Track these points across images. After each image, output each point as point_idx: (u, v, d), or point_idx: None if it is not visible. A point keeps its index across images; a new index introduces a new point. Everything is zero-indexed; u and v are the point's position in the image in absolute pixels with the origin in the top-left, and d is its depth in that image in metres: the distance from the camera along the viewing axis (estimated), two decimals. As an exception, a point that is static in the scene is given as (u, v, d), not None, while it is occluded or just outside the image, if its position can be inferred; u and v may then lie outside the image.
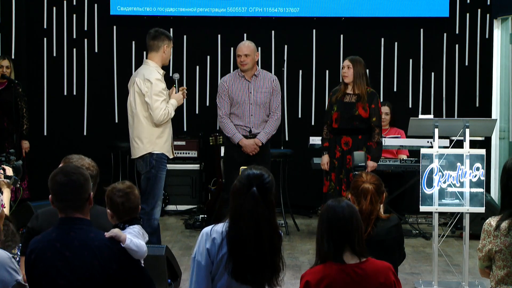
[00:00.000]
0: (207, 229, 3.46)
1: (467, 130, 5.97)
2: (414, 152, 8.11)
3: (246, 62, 7.17)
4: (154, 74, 6.30)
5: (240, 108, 7.20)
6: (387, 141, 7.87)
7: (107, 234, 3.29)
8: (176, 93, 6.52)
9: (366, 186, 4.25)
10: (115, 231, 3.31)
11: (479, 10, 9.25)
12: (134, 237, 3.34)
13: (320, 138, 7.29)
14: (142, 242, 3.35)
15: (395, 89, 9.36)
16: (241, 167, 3.63)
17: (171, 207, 8.98)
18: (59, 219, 3.33)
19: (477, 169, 5.86)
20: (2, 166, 4.39)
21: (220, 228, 3.41)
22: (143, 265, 3.50)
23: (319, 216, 3.42)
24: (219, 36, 9.33)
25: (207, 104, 9.36)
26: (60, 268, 3.22)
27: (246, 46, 7.21)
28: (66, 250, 3.23)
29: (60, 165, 3.89)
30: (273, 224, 3.40)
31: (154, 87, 6.25)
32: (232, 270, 3.33)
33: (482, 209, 5.92)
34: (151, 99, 6.25)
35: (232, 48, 9.29)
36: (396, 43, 9.34)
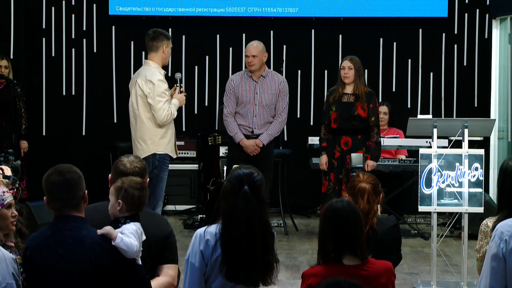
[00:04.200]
0: (200, 230, 3.45)
1: (466, 130, 5.97)
2: (413, 152, 8.11)
3: (253, 63, 7.16)
4: (156, 75, 6.30)
5: (245, 108, 7.20)
6: (386, 141, 7.87)
7: (99, 232, 3.31)
8: (178, 93, 6.52)
9: (363, 186, 4.25)
10: (107, 229, 3.32)
11: (477, 10, 9.25)
12: (127, 236, 3.33)
13: (319, 138, 7.29)
14: (134, 242, 3.33)
15: (393, 89, 9.36)
16: (233, 166, 3.63)
17: (170, 207, 8.98)
18: (54, 217, 3.36)
19: (476, 169, 5.86)
20: (0, 166, 4.38)
21: (213, 229, 3.40)
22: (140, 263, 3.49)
23: (321, 216, 3.41)
24: (218, 36, 9.33)
25: (206, 104, 9.36)
26: (54, 265, 3.25)
27: (254, 47, 7.20)
28: (59, 247, 3.26)
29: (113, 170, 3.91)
30: (265, 222, 3.39)
31: (156, 88, 6.25)
32: (226, 271, 3.33)
33: (480, 209, 5.92)
34: (154, 100, 6.25)
35: (231, 48, 9.30)
36: (394, 43, 9.34)
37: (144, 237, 3.48)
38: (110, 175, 3.92)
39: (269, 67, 9.27)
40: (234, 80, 7.29)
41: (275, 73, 7.39)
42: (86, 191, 3.41)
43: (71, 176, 3.35)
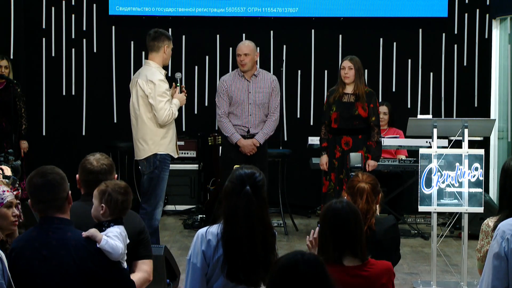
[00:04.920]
0: (202, 230, 3.45)
1: (466, 130, 5.97)
2: (413, 152, 8.11)
3: (245, 62, 7.17)
4: (156, 75, 6.30)
5: (239, 108, 7.20)
6: (386, 141, 7.87)
7: (84, 234, 3.31)
8: (179, 93, 6.53)
9: (362, 186, 4.24)
10: (92, 231, 3.32)
11: (477, 10, 9.25)
12: (110, 239, 3.32)
13: (319, 138, 7.29)
14: (119, 244, 3.33)
15: (393, 89, 9.36)
16: (234, 166, 3.62)
17: (170, 207, 8.98)
18: (39, 219, 3.36)
19: (476, 169, 5.86)
20: (0, 166, 4.38)
21: (215, 229, 3.40)
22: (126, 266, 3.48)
23: (321, 217, 3.40)
24: (218, 36, 9.33)
25: (206, 104, 9.36)
26: (38, 267, 3.26)
27: (246, 46, 7.22)
28: (44, 249, 3.26)
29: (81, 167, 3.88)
30: (267, 222, 3.39)
31: (157, 88, 6.26)
32: (227, 271, 3.33)
33: (480, 209, 5.93)
34: (155, 100, 6.25)
35: (231, 48, 9.29)
36: (394, 43, 9.34)
37: (128, 240, 3.47)
38: (77, 175, 3.90)
39: (269, 67, 9.28)
40: (227, 80, 7.29)
41: (266, 72, 7.42)
42: (70, 192, 3.39)
43: (52, 178, 3.34)
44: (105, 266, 3.30)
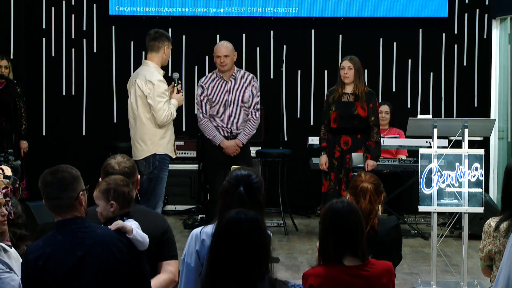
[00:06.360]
0: (196, 230, 3.45)
1: (466, 130, 5.97)
2: (413, 152, 8.11)
3: (225, 63, 7.11)
4: (155, 75, 6.30)
5: (220, 110, 7.17)
6: (386, 141, 7.88)
7: (111, 227, 3.29)
8: (177, 93, 6.53)
9: (365, 186, 4.24)
10: (120, 223, 3.31)
11: (477, 10, 9.25)
12: (138, 229, 3.35)
13: (318, 138, 7.29)
14: (144, 234, 3.36)
15: (393, 89, 9.36)
16: (232, 166, 3.62)
17: (170, 207, 8.98)
18: (57, 222, 3.28)
19: (476, 169, 5.86)
20: (0, 166, 4.38)
21: (209, 229, 3.40)
22: None
23: (322, 217, 3.40)
24: (217, 36, 9.32)
25: (206, 104, 9.35)
26: (73, 269, 3.17)
27: (225, 47, 7.16)
28: (77, 250, 3.19)
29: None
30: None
31: (156, 88, 6.26)
32: None
33: (480, 209, 5.92)
34: (154, 101, 6.25)
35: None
36: (394, 43, 9.34)
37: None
38: (100, 180, 3.87)
39: (269, 67, 9.29)
40: (206, 82, 7.25)
41: (244, 71, 7.39)
42: (81, 193, 3.31)
43: (62, 176, 3.29)
44: (136, 256, 3.30)
